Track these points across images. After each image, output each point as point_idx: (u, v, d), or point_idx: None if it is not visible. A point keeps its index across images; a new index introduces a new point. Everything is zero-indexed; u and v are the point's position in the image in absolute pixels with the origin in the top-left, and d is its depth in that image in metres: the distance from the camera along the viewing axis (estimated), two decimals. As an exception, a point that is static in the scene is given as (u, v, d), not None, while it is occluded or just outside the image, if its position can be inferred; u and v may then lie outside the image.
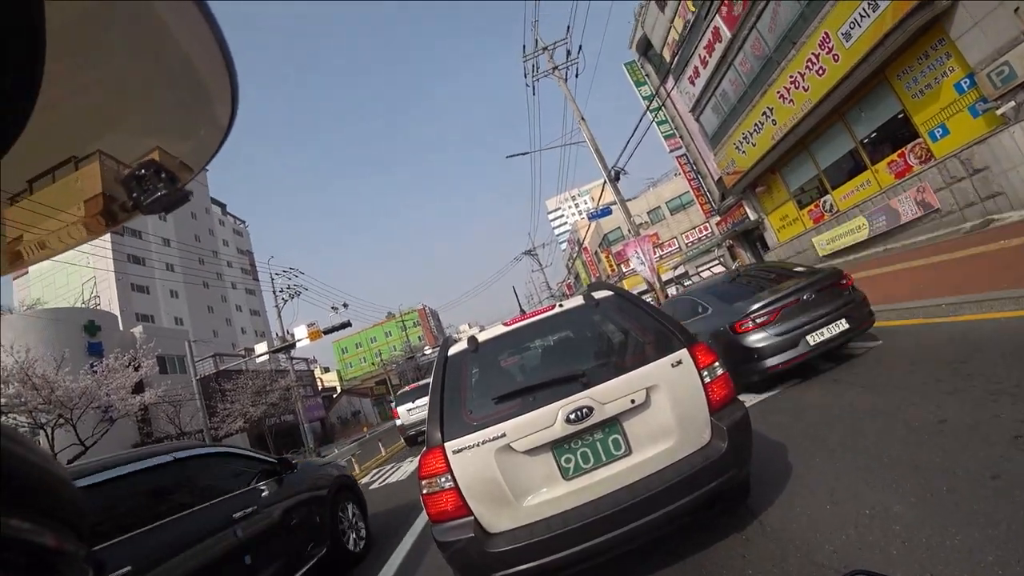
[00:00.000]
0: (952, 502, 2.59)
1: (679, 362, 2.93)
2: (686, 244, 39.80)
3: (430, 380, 7.78)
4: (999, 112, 11.43)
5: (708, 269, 30.52)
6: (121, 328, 31.51)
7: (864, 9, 12.81)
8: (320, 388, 48.41)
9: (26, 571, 0.32)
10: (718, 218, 29.04)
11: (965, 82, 12.30)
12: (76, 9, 0.50)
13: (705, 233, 37.57)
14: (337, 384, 61.51)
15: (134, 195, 0.66)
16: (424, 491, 2.87)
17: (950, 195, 13.46)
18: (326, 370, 68.53)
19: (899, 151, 14.94)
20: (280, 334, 32.84)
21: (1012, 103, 11.17)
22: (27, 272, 46.35)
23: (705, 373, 2.92)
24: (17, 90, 0.44)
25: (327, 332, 25.57)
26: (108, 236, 42.41)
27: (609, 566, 3.01)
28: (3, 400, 17.34)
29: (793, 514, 3.08)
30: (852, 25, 13.28)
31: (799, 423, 4.47)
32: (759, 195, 22.67)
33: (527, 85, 21.25)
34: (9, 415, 18.01)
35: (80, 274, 41.97)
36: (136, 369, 21.92)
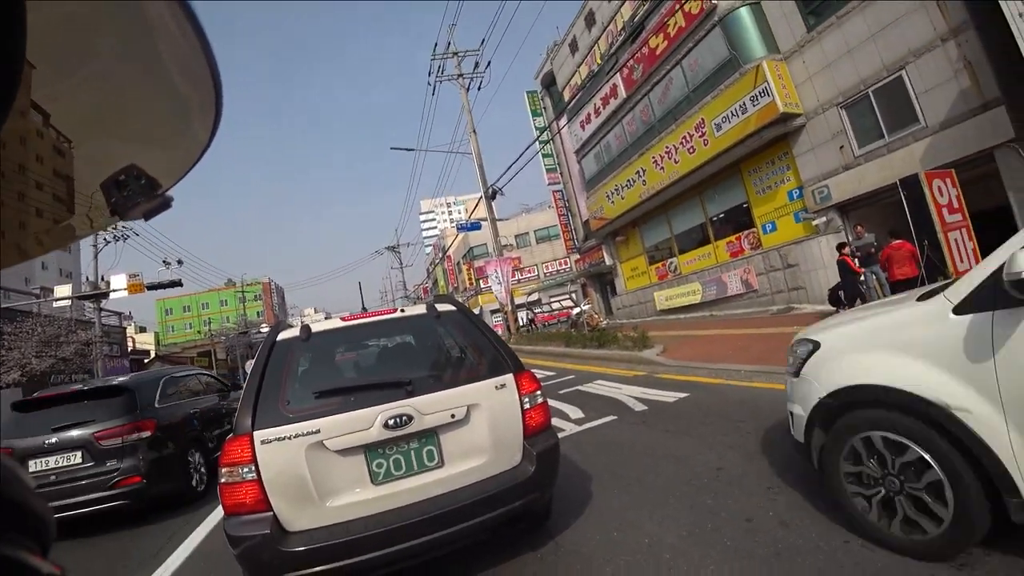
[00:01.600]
0: (714, 538, 2.99)
1: (503, 385, 3.03)
2: (545, 273, 41.76)
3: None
4: (814, 223, 13.93)
5: (559, 301, 32.29)
6: None
7: (736, 109, 14.68)
8: (131, 349, 42.50)
9: None
10: (578, 256, 30.90)
11: (796, 192, 14.65)
12: (60, 11, 0.47)
13: (564, 267, 39.73)
14: (152, 347, 54.56)
15: (113, 200, 0.65)
16: (223, 480, 2.65)
17: (767, 280, 15.76)
18: (142, 329, 60.30)
19: (737, 234, 17.19)
20: (92, 279, 28.33)
21: (824, 218, 13.71)
22: None
23: (526, 400, 3.05)
24: None
25: (151, 288, 22.54)
26: None
27: (406, 574, 3.00)
28: None
29: (584, 538, 3.32)
30: (724, 119, 15.16)
31: (605, 457, 4.85)
32: (617, 244, 24.56)
33: (429, 84, 21.09)
34: None
35: None
36: None
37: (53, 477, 5.49)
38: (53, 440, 5.61)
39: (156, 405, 6.36)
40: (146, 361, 42.68)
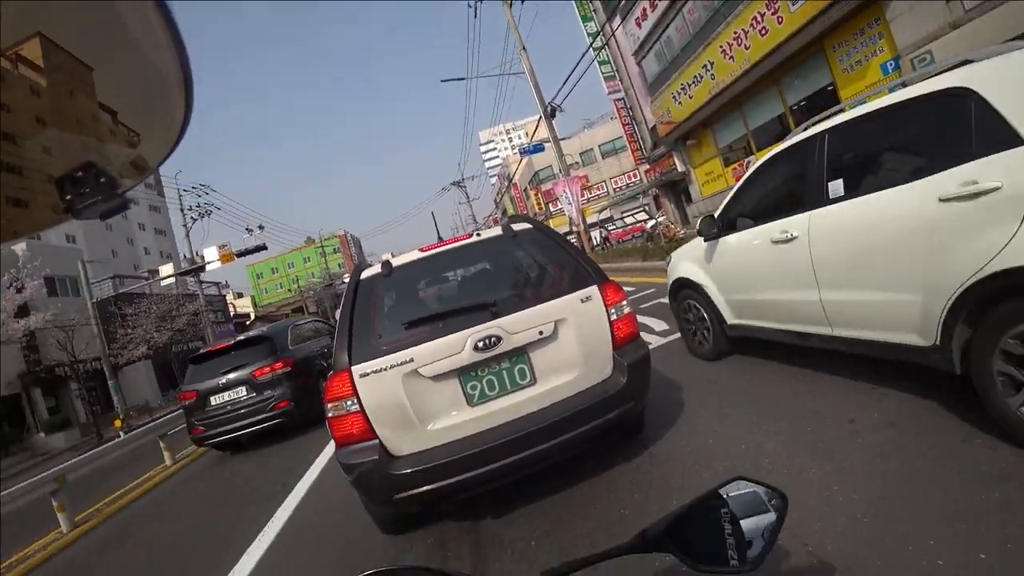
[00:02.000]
0: (814, 442, 2.92)
1: (588, 298, 3.01)
2: (614, 189, 40.44)
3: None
4: None
5: (632, 215, 31.30)
6: (-1, 247, 27.83)
7: (813, -26, 12.96)
8: (232, 314, 46.24)
9: None
10: (647, 166, 29.61)
11: (891, 63, 12.90)
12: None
13: (633, 180, 38.26)
14: (251, 310, 59.00)
15: (68, 198, 0.59)
16: (330, 414, 2.86)
17: (858, 168, 14.36)
18: (239, 295, 65.19)
19: (821, 121, 15.64)
20: (189, 256, 30.67)
21: None
22: None
23: (612, 311, 3.02)
24: None
25: (240, 255, 23.98)
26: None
27: (507, 489, 3.17)
28: None
29: (679, 447, 3.36)
30: (799, -12, 13.45)
31: (699, 366, 4.79)
32: (689, 148, 23.21)
33: (469, 6, 20.08)
34: None
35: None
36: (19, 291, 19.88)
37: (228, 408, 7.58)
38: (223, 381, 7.65)
39: (289, 347, 8.14)
40: (247, 323, 46.38)
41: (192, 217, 31.71)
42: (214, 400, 7.65)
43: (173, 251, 54.78)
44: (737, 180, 16.69)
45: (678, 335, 6.04)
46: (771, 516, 0.80)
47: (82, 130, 0.61)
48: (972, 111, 2.30)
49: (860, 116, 3.04)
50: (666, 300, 7.49)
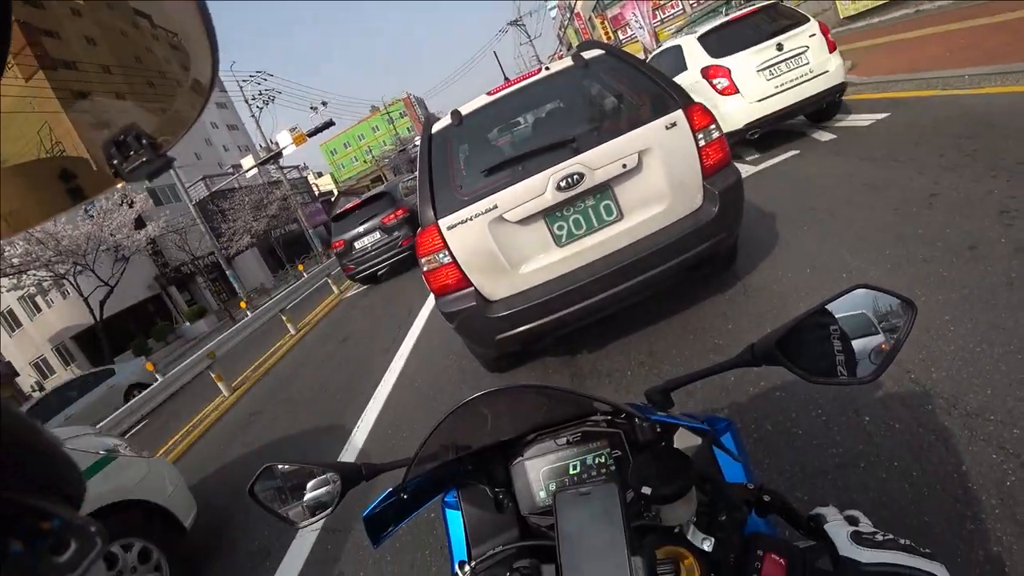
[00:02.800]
0: (928, 270, 2.75)
1: (673, 124, 2.82)
2: (690, 5, 35.69)
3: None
4: None
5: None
6: (98, 167, 29.80)
7: None
8: (317, 193, 47.79)
9: (31, 547, 0.31)
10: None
11: None
12: None
13: (713, -8, 33.46)
14: (333, 187, 60.42)
15: (114, 163, 0.60)
16: (425, 268, 2.99)
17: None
18: (319, 175, 66.50)
19: None
20: (264, 145, 31.36)
21: None
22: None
23: (700, 136, 2.84)
24: None
25: (311, 134, 24.28)
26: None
27: (601, 325, 3.33)
28: (16, 260, 17.59)
29: (774, 278, 3.31)
30: None
31: (792, 193, 4.55)
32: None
33: None
34: (28, 272, 18.69)
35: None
36: (130, 206, 21.78)
37: (370, 248, 10.15)
38: (361, 229, 10.28)
39: (404, 199, 10.59)
40: (332, 200, 48.13)
41: (257, 106, 31.97)
42: (357, 244, 10.28)
43: (249, 143, 56.29)
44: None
45: (771, 161, 5.78)
46: (880, 337, 0.75)
47: (124, 92, 0.63)
48: None
49: None
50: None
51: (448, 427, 0.83)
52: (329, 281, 12.28)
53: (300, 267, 19.15)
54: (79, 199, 0.71)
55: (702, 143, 2.84)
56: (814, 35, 5.85)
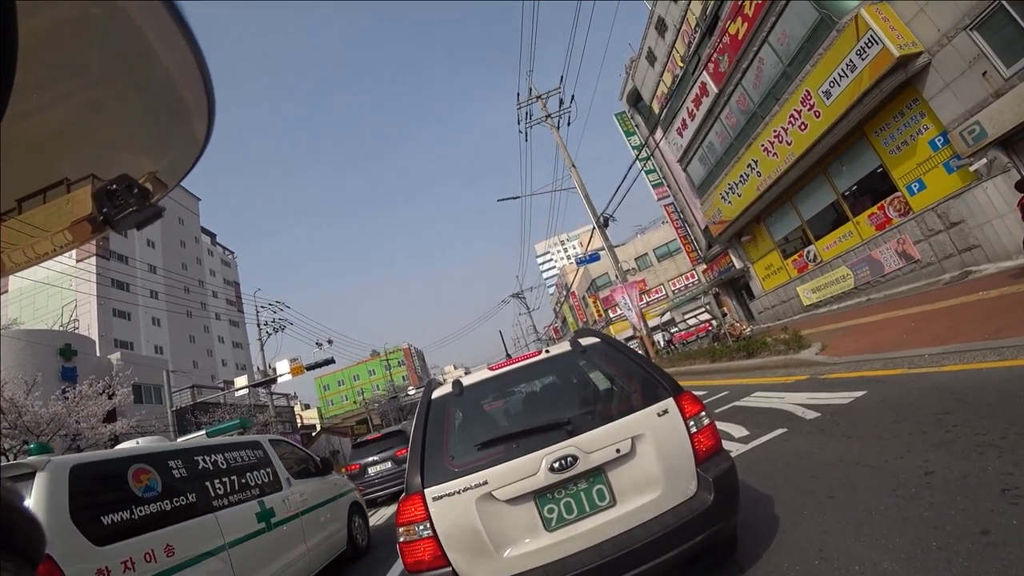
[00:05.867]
0: (943, 559, 2.52)
1: (665, 411, 2.88)
2: (673, 291, 40.17)
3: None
4: (972, 168, 11.95)
5: (694, 316, 30.66)
6: (98, 354, 30.42)
7: (843, 69, 13.42)
8: (300, 425, 47.08)
9: None
10: (704, 266, 29.43)
11: (939, 140, 12.82)
12: (49, 15, 0.47)
13: (692, 280, 38.01)
14: (317, 422, 59.96)
15: (104, 211, 0.63)
16: (401, 539, 2.76)
17: (929, 247, 13.83)
18: (306, 407, 66.76)
19: (879, 204, 15.40)
20: (262, 368, 32.18)
21: (984, 160, 11.68)
22: (7, 291, 45.24)
23: (691, 423, 2.88)
24: None
25: (310, 368, 25.20)
26: (94, 259, 41.92)
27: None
28: None
29: (781, 570, 2.98)
30: (832, 84, 13.89)
31: (786, 474, 4.39)
32: (744, 244, 23.07)
33: (520, 132, 21.72)
34: None
35: (62, 296, 41.17)
36: (110, 397, 21.44)
37: (378, 476, 11.41)
38: (376, 458, 11.71)
39: None
40: (313, 434, 47.10)
41: (267, 332, 33.46)
42: (371, 470, 11.65)
43: (248, 363, 57.82)
44: (800, 272, 16.58)
45: (760, 440, 5.70)
46: None
47: (114, 145, 0.64)
48: None
49: None
50: (742, 403, 7.05)
51: None
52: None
53: None
54: (68, 247, 0.69)
55: (694, 430, 2.87)
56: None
